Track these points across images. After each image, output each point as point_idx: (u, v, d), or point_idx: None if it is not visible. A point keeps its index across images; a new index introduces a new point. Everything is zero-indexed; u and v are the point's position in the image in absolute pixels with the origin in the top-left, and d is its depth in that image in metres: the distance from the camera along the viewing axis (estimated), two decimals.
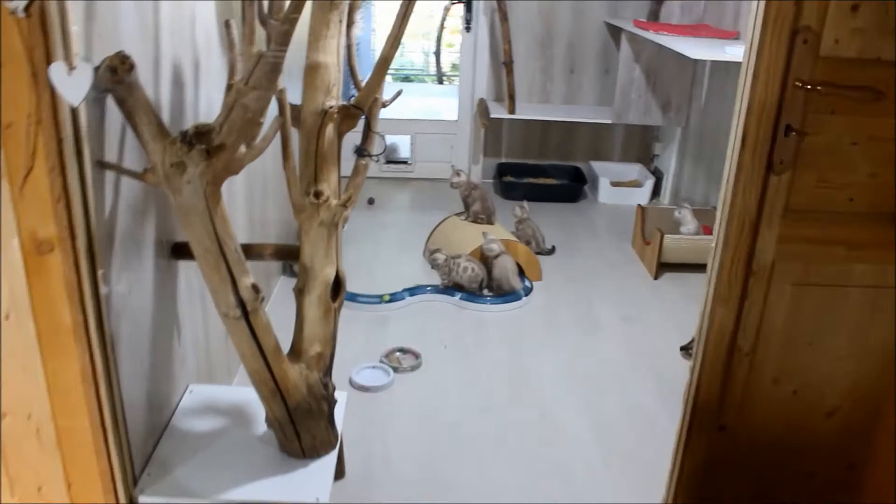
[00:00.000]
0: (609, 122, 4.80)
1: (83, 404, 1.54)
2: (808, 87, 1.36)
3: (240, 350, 1.69)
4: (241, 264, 1.62)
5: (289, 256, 1.93)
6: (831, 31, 1.36)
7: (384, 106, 1.97)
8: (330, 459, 1.87)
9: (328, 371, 1.87)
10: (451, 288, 3.47)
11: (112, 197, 1.59)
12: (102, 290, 1.49)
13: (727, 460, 1.74)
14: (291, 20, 1.40)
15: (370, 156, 1.91)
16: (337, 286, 1.85)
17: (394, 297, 3.34)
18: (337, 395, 1.94)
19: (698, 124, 4.54)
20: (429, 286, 3.47)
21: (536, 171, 5.22)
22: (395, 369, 2.80)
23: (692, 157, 4.63)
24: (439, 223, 3.91)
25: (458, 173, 3.90)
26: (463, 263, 3.43)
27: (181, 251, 1.95)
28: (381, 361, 2.85)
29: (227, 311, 1.63)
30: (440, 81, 8.45)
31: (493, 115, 4.76)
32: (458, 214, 3.91)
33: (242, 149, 1.56)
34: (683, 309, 3.48)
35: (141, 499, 1.72)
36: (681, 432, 1.72)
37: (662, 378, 2.89)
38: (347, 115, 1.85)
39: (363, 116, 1.88)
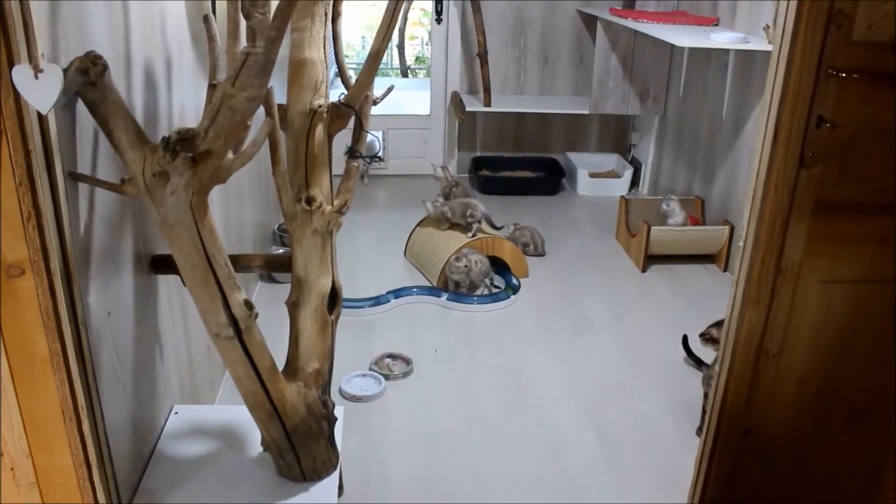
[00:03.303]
0: (586, 112, 4.72)
1: (63, 440, 1.40)
2: (843, 74, 1.28)
3: (233, 372, 1.57)
4: (231, 279, 1.49)
5: (280, 268, 1.81)
6: (864, 16, 1.28)
7: (375, 103, 1.85)
8: (331, 481, 1.75)
9: (327, 388, 1.75)
10: (442, 289, 3.36)
11: (86, 211, 1.45)
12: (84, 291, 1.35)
13: (752, 464, 1.66)
14: (284, 14, 1.27)
15: (363, 157, 1.79)
16: (333, 297, 1.73)
17: (378, 301, 3.22)
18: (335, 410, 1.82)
19: (677, 113, 4.48)
20: (414, 287, 3.36)
21: (513, 164, 5.12)
22: (387, 377, 2.69)
23: (671, 146, 4.57)
24: (418, 223, 3.79)
25: (442, 168, 3.78)
26: (473, 258, 3.31)
27: (161, 264, 1.82)
28: (371, 369, 2.74)
29: (219, 331, 1.50)
30: (405, 75, 8.33)
31: (468, 109, 4.64)
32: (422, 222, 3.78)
33: (230, 155, 1.43)
34: (674, 302, 3.42)
35: None
36: (706, 437, 1.64)
37: (662, 380, 2.81)
38: (337, 115, 1.73)
39: (354, 115, 1.77)
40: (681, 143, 4.41)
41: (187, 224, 1.40)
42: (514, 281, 3.46)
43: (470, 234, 3.44)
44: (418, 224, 3.79)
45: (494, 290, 3.40)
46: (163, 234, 1.43)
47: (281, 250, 3.65)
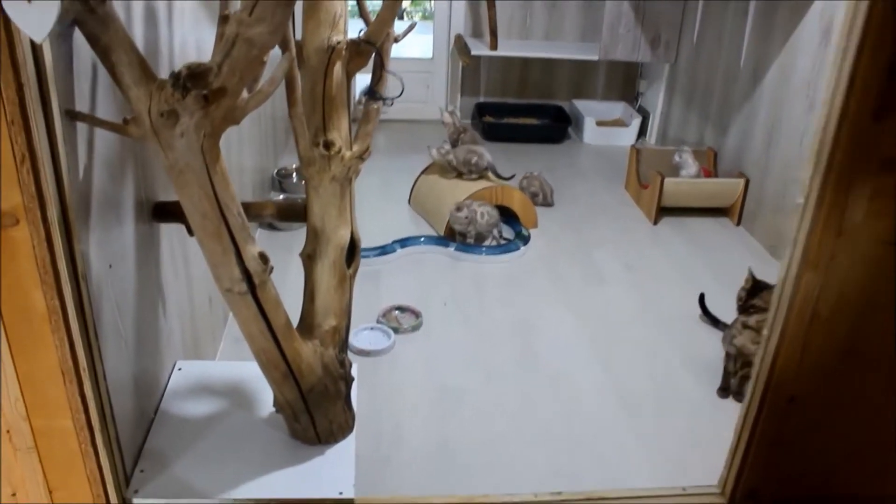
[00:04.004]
0: (594, 58, 4.55)
1: (64, 402, 1.30)
2: None
3: (245, 329, 1.46)
4: (245, 230, 1.37)
5: (294, 217, 1.68)
6: None
7: (396, 41, 1.70)
8: (348, 445, 1.66)
9: (344, 346, 1.64)
10: (450, 240, 3.24)
11: (85, 154, 1.32)
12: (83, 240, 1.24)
13: (795, 433, 1.57)
14: None
15: (384, 99, 1.66)
16: (352, 250, 1.61)
17: (384, 250, 3.11)
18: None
19: (690, 61, 4.32)
20: (421, 237, 3.24)
21: (517, 110, 4.97)
22: (395, 330, 2.59)
23: (682, 95, 4.42)
24: (423, 171, 3.65)
25: (449, 113, 3.63)
26: (479, 209, 3.19)
27: (164, 212, 1.69)
28: (380, 322, 2.63)
29: (231, 286, 1.38)
30: (400, 17, 8.07)
31: (473, 52, 4.47)
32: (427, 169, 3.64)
33: (244, 94, 1.30)
34: (687, 256, 3.31)
35: (135, 500, 1.49)
36: (749, 403, 1.55)
37: (677, 335, 2.72)
38: (357, 53, 1.59)
39: (374, 54, 1.62)
40: (693, 93, 4.26)
41: (198, 169, 1.27)
42: (524, 231, 3.35)
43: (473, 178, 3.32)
44: (423, 171, 3.66)
45: (503, 241, 3.29)
46: (170, 181, 1.30)
47: (280, 196, 3.52)
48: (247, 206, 1.57)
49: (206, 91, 1.21)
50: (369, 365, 2.43)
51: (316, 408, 1.58)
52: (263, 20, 1.21)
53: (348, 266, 1.61)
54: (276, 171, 3.68)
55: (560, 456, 2.10)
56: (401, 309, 2.73)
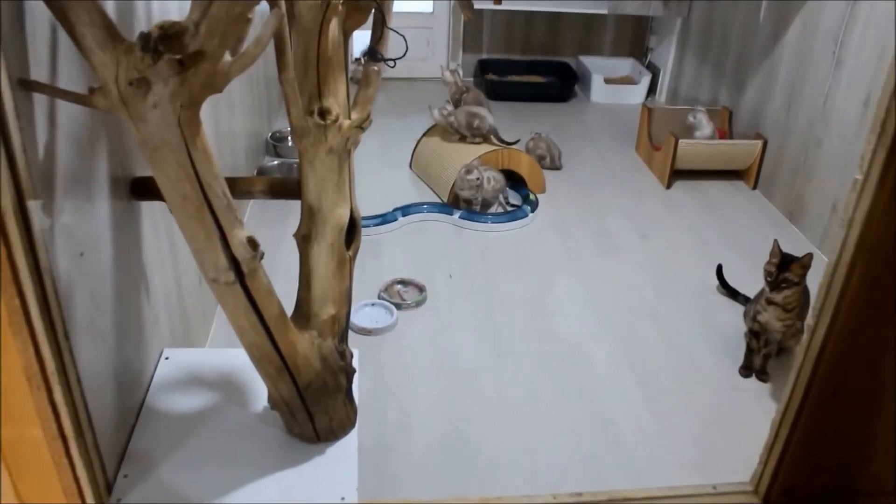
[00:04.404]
0: (603, 12, 4.33)
1: (31, 410, 1.15)
2: None
3: (235, 322, 1.31)
4: (231, 212, 1.21)
5: (287, 194, 1.52)
6: None
7: None
8: (350, 442, 1.52)
9: (344, 336, 1.50)
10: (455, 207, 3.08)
11: (46, 128, 1.15)
12: (43, 223, 1.08)
13: (837, 429, 1.44)
14: None
15: (385, 60, 1.48)
16: (351, 230, 1.46)
17: (385, 219, 2.95)
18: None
19: (704, 15, 4.10)
20: (424, 204, 3.08)
21: (521, 67, 4.77)
22: (398, 306, 2.44)
23: (695, 51, 4.21)
24: (425, 133, 3.47)
25: (451, 72, 3.43)
26: (486, 174, 3.02)
27: (144, 189, 1.53)
28: (381, 297, 2.49)
29: (217, 276, 1.23)
30: None
31: (476, 6, 4.25)
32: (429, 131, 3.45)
33: (227, 57, 1.13)
34: (702, 222, 3.16)
35: None
36: (791, 397, 1.41)
37: (695, 308, 2.58)
38: (355, 8, 1.42)
39: (374, 9, 1.45)
40: (707, 49, 4.06)
41: (175, 145, 1.11)
42: (532, 197, 3.18)
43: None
44: (425, 133, 3.48)
45: (510, 208, 3.13)
46: (144, 158, 1.14)
47: (275, 161, 3.34)
48: (233, 183, 1.41)
49: (181, 55, 1.04)
50: (371, 344, 2.28)
51: (314, 404, 1.44)
52: None
53: (347, 248, 1.45)
54: (270, 134, 3.50)
55: (577, 443, 1.97)
56: (403, 283, 2.58)
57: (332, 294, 1.44)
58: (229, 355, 1.71)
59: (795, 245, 2.96)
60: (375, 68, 1.49)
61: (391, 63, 1.49)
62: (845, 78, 2.80)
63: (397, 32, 1.48)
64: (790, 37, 3.19)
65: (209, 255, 1.21)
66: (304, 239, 1.42)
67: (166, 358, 1.69)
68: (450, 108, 3.34)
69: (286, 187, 1.53)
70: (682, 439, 2.01)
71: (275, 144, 3.45)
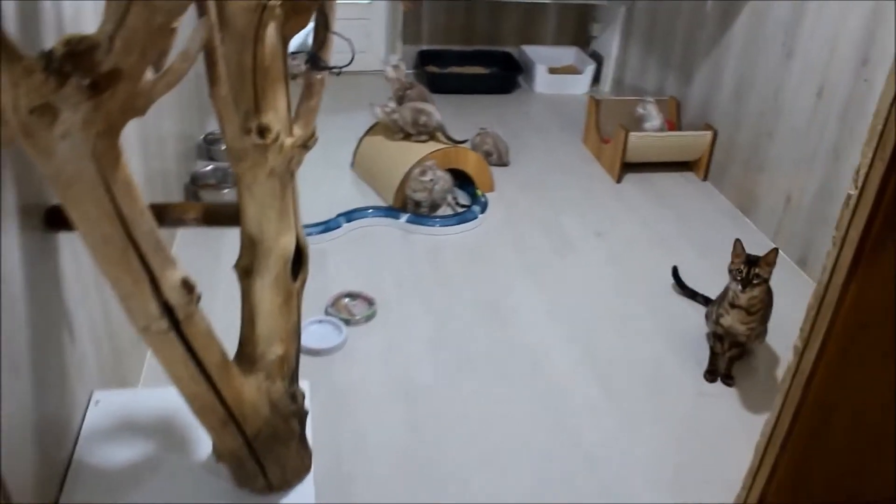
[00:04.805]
0: (546, 0, 4.23)
1: None
2: None
3: (171, 373, 1.16)
4: (161, 252, 1.06)
5: (224, 221, 1.36)
6: None
7: None
8: (306, 489, 1.38)
9: (295, 376, 1.36)
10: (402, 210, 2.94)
11: None
12: None
13: (828, 452, 1.36)
14: None
15: (329, 68, 1.34)
16: (298, 259, 1.32)
17: (328, 226, 2.79)
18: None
19: (649, 3, 4.03)
20: (369, 209, 2.93)
21: (463, 58, 4.63)
22: (347, 322, 2.30)
23: (640, 39, 4.15)
24: (367, 131, 3.31)
25: (393, 67, 3.28)
26: (437, 173, 2.88)
27: (60, 219, 1.34)
28: (328, 313, 2.34)
29: (148, 324, 1.08)
30: None
31: None
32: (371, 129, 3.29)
33: (149, 74, 0.97)
34: (655, 217, 3.09)
35: None
36: (778, 423, 1.32)
37: (655, 309, 2.51)
38: (295, 11, 1.27)
39: (316, 11, 1.30)
40: (652, 37, 4.00)
41: (91, 181, 0.95)
42: (481, 196, 3.07)
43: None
44: (367, 132, 3.32)
45: (459, 209, 3.01)
46: (57, 196, 0.98)
47: (209, 166, 3.14)
48: (162, 212, 1.26)
49: (93, 75, 0.89)
50: (321, 365, 2.14)
51: (265, 454, 1.29)
52: None
53: (294, 279, 1.31)
54: (203, 136, 3.30)
55: (546, 464, 1.87)
56: (351, 296, 2.43)
57: (280, 332, 1.29)
58: (167, 395, 1.54)
59: (750, 238, 2.90)
60: (318, 77, 1.35)
61: (336, 71, 1.35)
62: (797, 69, 2.75)
63: (342, 37, 1.34)
64: (739, 26, 3.14)
65: (137, 302, 1.06)
66: (246, 272, 1.27)
67: (96, 402, 1.52)
68: (393, 105, 3.19)
69: (223, 214, 1.37)
70: (653, 455, 1.92)
71: (208, 147, 3.25)
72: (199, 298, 1.11)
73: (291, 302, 1.30)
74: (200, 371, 1.15)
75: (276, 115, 1.23)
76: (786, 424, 1.31)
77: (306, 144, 1.24)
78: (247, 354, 1.29)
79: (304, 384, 1.45)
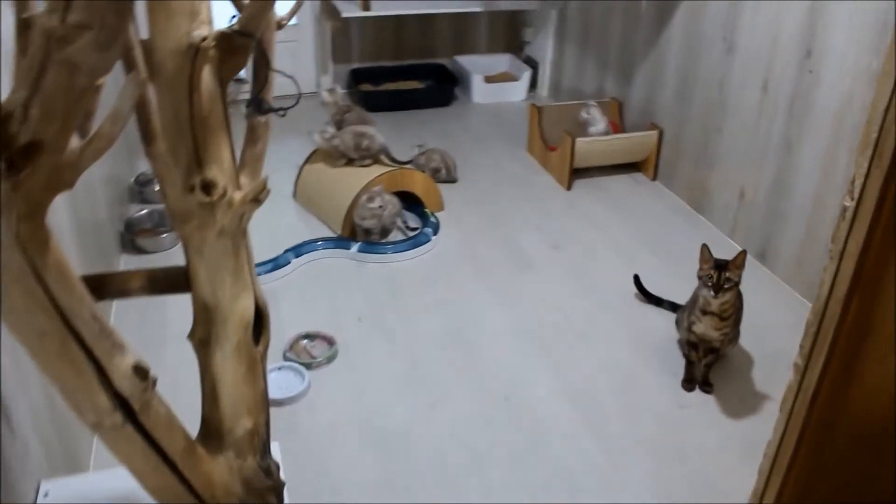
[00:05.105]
0: (477, 10, 4.17)
1: None
2: None
3: (132, 467, 1.03)
4: (106, 338, 0.93)
5: (174, 288, 1.23)
6: None
7: (280, 27, 1.27)
8: None
9: (267, 448, 1.23)
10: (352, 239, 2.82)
11: None
12: None
13: (832, 470, 1.30)
14: None
15: (274, 110, 1.23)
16: (259, 321, 1.20)
17: (276, 263, 2.66)
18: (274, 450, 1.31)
19: (581, 4, 3.99)
20: (319, 241, 2.80)
21: (396, 73, 4.53)
22: (308, 366, 2.17)
23: (574, 42, 4.11)
24: (307, 159, 3.18)
25: (329, 91, 3.17)
26: (385, 197, 2.77)
27: None
28: (287, 358, 2.21)
29: (100, 419, 0.95)
30: None
31: (344, 14, 3.99)
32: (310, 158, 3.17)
33: (74, 141, 0.85)
34: (609, 221, 3.05)
35: None
36: (781, 445, 1.26)
37: (622, 319, 2.45)
38: (229, 51, 1.15)
39: (254, 48, 1.19)
40: (587, 39, 3.96)
41: (17, 272, 0.82)
42: (432, 217, 2.97)
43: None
44: (307, 160, 3.19)
45: (410, 233, 2.91)
46: None
47: (144, 210, 2.97)
48: (101, 285, 1.13)
49: (7, 152, 0.76)
50: (285, 416, 2.01)
51: None
52: (87, 27, 0.76)
53: (256, 343, 1.19)
54: (134, 178, 3.13)
55: (530, 490, 1.78)
56: (310, 337, 2.31)
57: (246, 403, 1.17)
58: (121, 476, 1.40)
59: (706, 235, 2.90)
60: (263, 120, 1.24)
61: (281, 113, 1.24)
62: (740, 63, 2.73)
63: (285, 75, 1.23)
64: (677, 22, 3.12)
65: (85, 397, 0.93)
66: (202, 343, 1.14)
67: (45, 494, 1.37)
68: (332, 130, 3.08)
69: (171, 280, 1.24)
70: (640, 479, 1.85)
71: (141, 189, 3.08)
72: (154, 383, 0.98)
73: (256, 369, 1.18)
74: (164, 461, 1.02)
75: (220, 168, 1.11)
76: (791, 445, 1.24)
77: (258, 198, 1.13)
78: (212, 432, 1.17)
79: (274, 446, 1.33)
